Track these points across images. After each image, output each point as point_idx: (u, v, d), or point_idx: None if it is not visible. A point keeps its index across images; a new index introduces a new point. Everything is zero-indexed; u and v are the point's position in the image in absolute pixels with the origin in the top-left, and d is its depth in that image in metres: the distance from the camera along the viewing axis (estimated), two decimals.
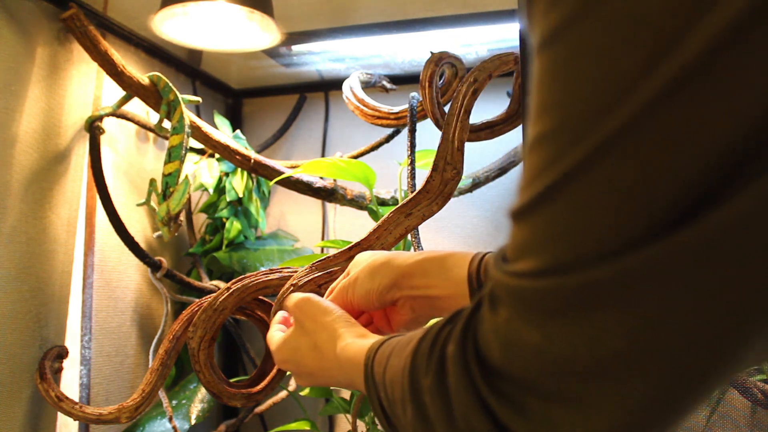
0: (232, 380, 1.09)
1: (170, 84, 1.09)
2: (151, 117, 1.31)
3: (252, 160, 1.22)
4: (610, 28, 0.27)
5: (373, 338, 0.54)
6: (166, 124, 1.11)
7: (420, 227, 0.95)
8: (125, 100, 1.17)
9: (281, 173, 1.23)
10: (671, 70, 0.26)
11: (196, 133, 1.16)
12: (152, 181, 1.12)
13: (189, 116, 1.10)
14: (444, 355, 0.37)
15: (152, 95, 1.13)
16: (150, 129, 1.30)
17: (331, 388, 1.24)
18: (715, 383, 0.30)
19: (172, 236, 1.04)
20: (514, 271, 0.32)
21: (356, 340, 0.55)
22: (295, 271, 1.00)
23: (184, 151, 1.05)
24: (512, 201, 0.33)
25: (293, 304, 0.63)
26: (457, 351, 0.36)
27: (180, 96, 1.09)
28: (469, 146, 0.93)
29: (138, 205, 1.22)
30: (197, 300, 1.14)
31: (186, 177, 1.03)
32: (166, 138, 1.12)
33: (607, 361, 0.29)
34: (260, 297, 1.08)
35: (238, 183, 1.38)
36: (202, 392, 1.26)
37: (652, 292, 0.28)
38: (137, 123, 1.27)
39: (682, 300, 0.28)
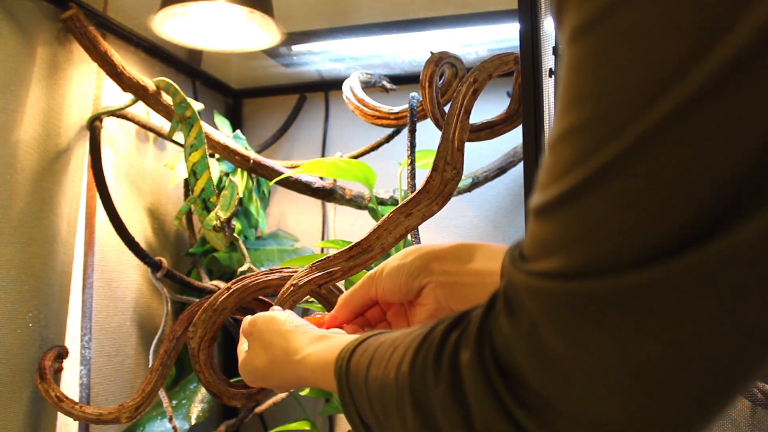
0: (232, 380, 1.09)
1: (187, 99, 1.09)
2: (152, 117, 1.31)
3: (251, 160, 1.22)
4: (659, 11, 0.25)
5: (335, 344, 0.50)
6: (178, 136, 1.12)
7: (420, 227, 0.95)
8: (131, 103, 1.16)
9: (281, 173, 1.23)
10: (724, 55, 0.24)
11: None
12: (182, 209, 1.13)
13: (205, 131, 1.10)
14: (457, 363, 0.34)
15: (152, 96, 1.13)
16: (150, 129, 1.30)
17: None
18: (743, 391, 0.28)
19: (228, 242, 1.03)
20: (537, 270, 0.30)
21: (314, 349, 0.53)
22: (295, 271, 1.00)
23: (207, 161, 1.05)
24: (535, 196, 0.31)
25: (245, 323, 0.62)
26: (473, 359, 0.33)
27: (197, 112, 1.09)
28: (468, 146, 0.93)
29: (178, 227, 1.22)
30: (197, 300, 1.14)
31: (230, 181, 1.03)
32: (173, 141, 1.13)
33: (643, 373, 0.27)
34: (260, 297, 1.08)
35: (238, 183, 1.38)
36: (202, 392, 1.26)
37: (701, 300, 0.26)
38: (137, 123, 1.27)
39: (733, 307, 0.26)
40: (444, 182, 0.92)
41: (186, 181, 1.38)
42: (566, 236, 0.29)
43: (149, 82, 1.13)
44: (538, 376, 0.30)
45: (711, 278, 0.26)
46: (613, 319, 0.27)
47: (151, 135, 1.37)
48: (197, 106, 1.12)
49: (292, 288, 0.95)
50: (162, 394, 1.13)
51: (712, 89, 0.25)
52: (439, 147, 0.92)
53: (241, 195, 1.38)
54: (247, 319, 0.63)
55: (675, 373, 0.27)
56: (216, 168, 1.37)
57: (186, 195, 1.40)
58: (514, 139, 1.07)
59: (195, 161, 1.05)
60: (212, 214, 1.01)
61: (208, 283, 1.28)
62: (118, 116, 1.23)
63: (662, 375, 0.27)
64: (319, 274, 0.94)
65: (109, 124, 1.23)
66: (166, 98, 1.15)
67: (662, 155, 0.26)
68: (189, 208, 1.15)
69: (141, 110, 1.28)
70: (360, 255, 0.94)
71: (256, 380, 0.61)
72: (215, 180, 1.36)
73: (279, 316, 0.60)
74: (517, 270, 0.31)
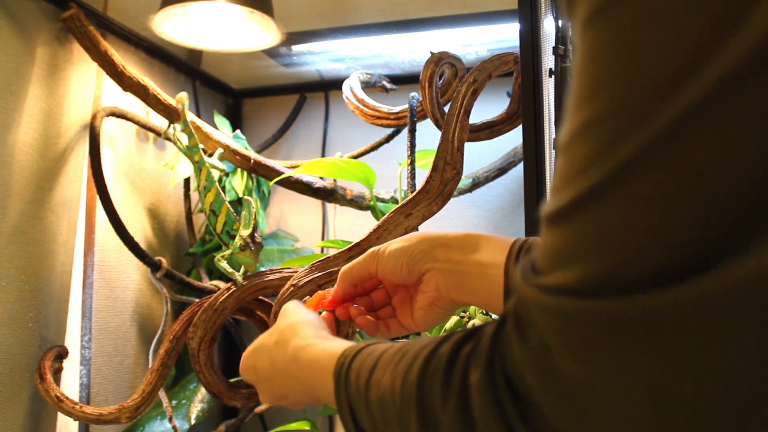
0: (232, 380, 1.09)
1: (199, 145, 1.10)
2: (152, 117, 1.31)
3: (252, 160, 1.22)
4: None
5: (341, 343, 0.48)
6: (183, 139, 1.13)
7: (420, 227, 0.95)
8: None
9: (281, 173, 1.23)
10: (756, 31, 0.21)
11: (197, 133, 1.16)
12: (194, 249, 1.13)
13: (212, 165, 1.10)
14: (467, 383, 0.32)
15: (152, 96, 1.14)
16: (150, 129, 1.30)
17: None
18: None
19: (257, 257, 1.03)
20: (550, 285, 0.27)
21: (320, 342, 0.51)
22: (295, 272, 1.00)
23: (222, 195, 1.06)
24: (547, 202, 0.28)
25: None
26: (483, 380, 0.31)
27: (205, 157, 1.10)
28: (469, 146, 0.93)
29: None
30: (197, 300, 1.14)
31: (245, 199, 1.04)
32: (168, 138, 1.14)
33: (664, 403, 0.24)
34: (260, 297, 1.08)
35: (238, 183, 1.38)
36: (202, 392, 1.26)
37: (735, 324, 0.23)
38: (137, 123, 1.27)
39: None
40: (444, 182, 0.92)
41: (185, 183, 1.39)
42: (582, 244, 0.26)
43: (167, 97, 1.13)
44: (548, 402, 0.28)
45: (746, 300, 0.22)
46: (632, 342, 0.24)
47: (151, 135, 1.37)
48: (189, 116, 1.13)
49: (292, 288, 0.95)
50: (162, 394, 1.13)
51: (744, 71, 0.22)
52: (438, 147, 0.92)
53: (240, 195, 1.38)
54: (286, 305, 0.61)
55: (699, 405, 0.24)
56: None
57: (186, 196, 1.40)
58: (514, 139, 1.07)
59: (212, 201, 1.06)
60: (237, 238, 1.02)
61: (208, 283, 1.28)
62: (118, 116, 1.23)
63: (685, 406, 0.24)
64: (319, 274, 0.94)
65: (108, 124, 1.23)
66: (167, 98, 1.15)
67: (689, 148, 0.23)
68: (200, 251, 1.20)
69: (141, 110, 1.28)
70: (360, 255, 0.94)
71: (248, 368, 0.59)
72: (216, 177, 1.36)
73: (303, 308, 0.60)
74: (528, 285, 0.29)
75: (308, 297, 0.67)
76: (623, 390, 0.25)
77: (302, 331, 0.54)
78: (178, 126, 1.12)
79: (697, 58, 0.22)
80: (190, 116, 1.15)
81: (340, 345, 0.48)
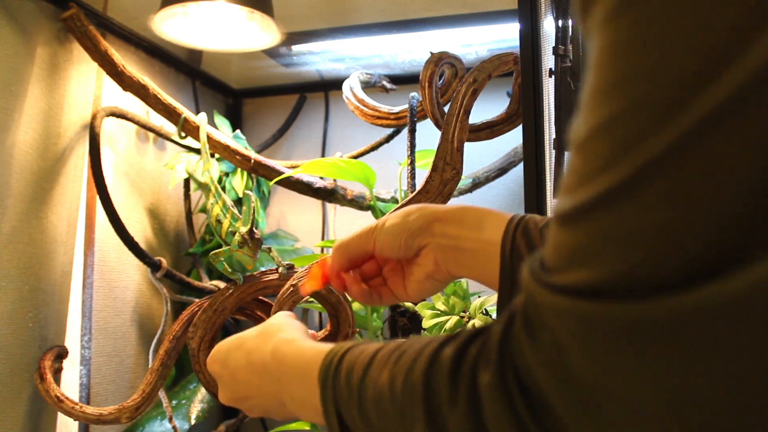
0: None
1: (211, 171, 1.10)
2: (152, 117, 1.31)
3: (252, 160, 1.22)
4: None
5: (328, 345, 0.46)
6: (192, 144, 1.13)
7: None
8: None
9: (281, 173, 1.22)
10: None
11: (196, 133, 1.16)
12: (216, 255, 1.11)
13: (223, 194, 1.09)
14: (476, 384, 0.31)
15: (152, 96, 1.14)
16: (150, 129, 1.30)
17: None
18: None
19: (255, 254, 1.02)
20: (563, 284, 0.26)
21: (306, 340, 0.49)
22: (296, 271, 1.00)
23: (228, 204, 1.05)
24: (560, 201, 0.27)
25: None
26: (495, 382, 0.30)
27: (213, 179, 1.10)
28: (469, 146, 0.93)
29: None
30: (197, 300, 1.14)
31: (246, 195, 1.03)
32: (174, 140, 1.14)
33: (685, 409, 0.24)
34: (260, 297, 1.08)
35: (238, 183, 1.38)
36: (202, 392, 1.26)
37: (760, 329, 0.22)
38: (137, 123, 1.27)
39: None
40: (443, 182, 0.92)
41: (185, 183, 1.39)
42: (601, 244, 0.25)
43: (167, 97, 1.13)
44: (562, 405, 0.27)
45: None
46: (653, 345, 0.24)
47: (151, 135, 1.37)
48: (202, 116, 1.13)
49: (291, 288, 0.95)
50: (162, 394, 1.13)
51: None
52: (438, 147, 0.92)
53: (241, 195, 1.38)
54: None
55: (722, 412, 0.23)
56: (216, 168, 1.37)
57: (186, 196, 1.41)
58: (514, 139, 1.07)
59: (218, 212, 1.06)
60: (237, 235, 1.01)
61: (207, 283, 1.28)
62: (118, 116, 1.23)
63: (707, 413, 0.23)
64: None
65: (108, 124, 1.23)
66: (167, 98, 1.15)
67: (717, 148, 0.21)
68: (200, 251, 1.23)
69: (141, 110, 1.28)
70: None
71: (223, 355, 0.56)
72: (215, 178, 1.36)
73: (292, 318, 0.59)
74: (538, 283, 0.28)
75: (305, 277, 0.65)
76: (642, 394, 0.25)
77: (289, 329, 0.53)
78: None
79: (726, 53, 0.21)
80: (209, 130, 1.17)
81: (327, 345, 0.47)
